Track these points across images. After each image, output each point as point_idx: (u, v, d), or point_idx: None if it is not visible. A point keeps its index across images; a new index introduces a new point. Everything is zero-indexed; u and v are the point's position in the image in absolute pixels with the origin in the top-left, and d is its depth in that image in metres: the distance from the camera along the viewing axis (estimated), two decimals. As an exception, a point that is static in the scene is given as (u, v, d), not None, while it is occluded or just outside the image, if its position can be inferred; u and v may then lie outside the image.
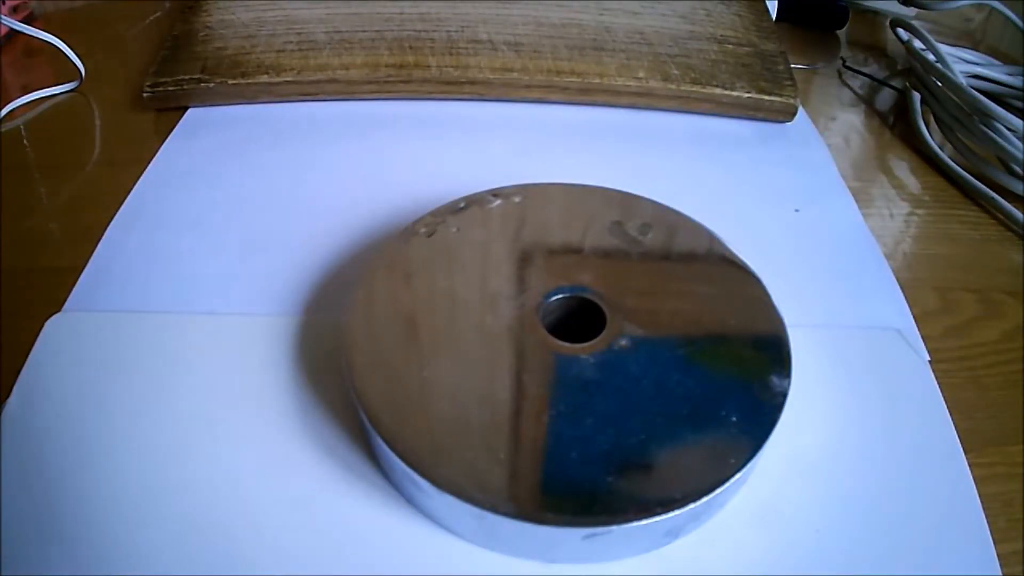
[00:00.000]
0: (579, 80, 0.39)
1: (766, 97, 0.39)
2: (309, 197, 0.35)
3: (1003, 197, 0.36)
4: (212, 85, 0.38)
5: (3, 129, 0.39)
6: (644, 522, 0.21)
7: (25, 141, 0.39)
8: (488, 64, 0.39)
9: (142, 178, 0.35)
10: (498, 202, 0.30)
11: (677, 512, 0.21)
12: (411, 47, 0.40)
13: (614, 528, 0.21)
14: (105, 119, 0.41)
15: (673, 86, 0.39)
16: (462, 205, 0.30)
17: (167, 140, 0.38)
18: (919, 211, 0.37)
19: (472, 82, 0.39)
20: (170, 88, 0.39)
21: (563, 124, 0.40)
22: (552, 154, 0.38)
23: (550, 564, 0.22)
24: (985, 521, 0.24)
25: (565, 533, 0.21)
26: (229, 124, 0.39)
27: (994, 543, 0.23)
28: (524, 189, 0.31)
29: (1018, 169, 0.37)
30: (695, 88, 0.39)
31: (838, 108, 0.44)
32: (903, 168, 0.40)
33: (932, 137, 0.40)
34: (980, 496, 0.24)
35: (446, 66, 0.39)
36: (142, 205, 0.34)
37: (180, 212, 0.34)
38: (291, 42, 0.40)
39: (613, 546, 0.22)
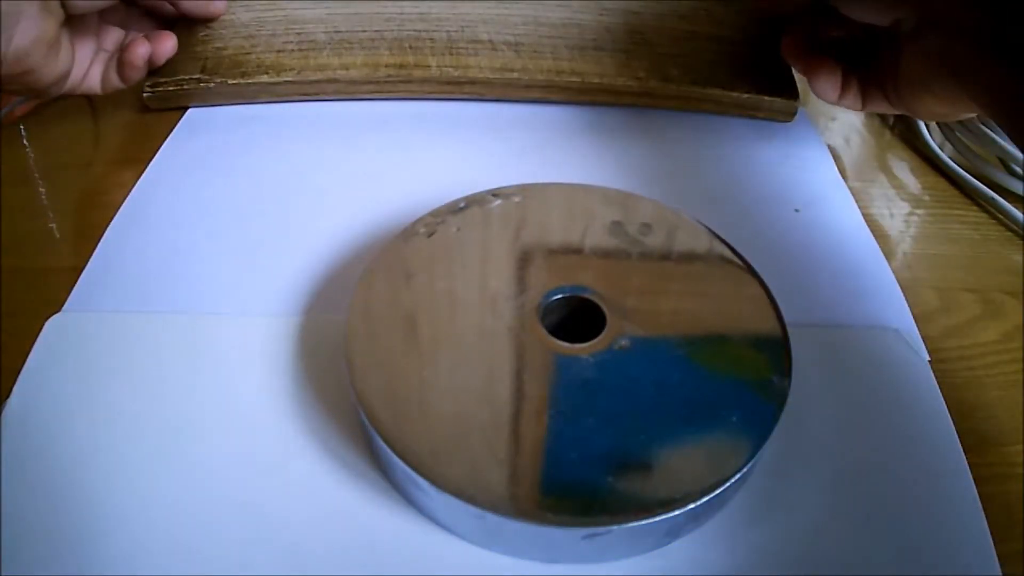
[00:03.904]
0: (579, 80, 0.39)
1: (766, 97, 0.39)
2: (309, 197, 0.35)
3: (1003, 197, 0.36)
4: (212, 85, 0.38)
5: (3, 129, 0.39)
6: (644, 522, 0.21)
7: (25, 141, 0.39)
8: (488, 64, 0.39)
9: (142, 178, 0.35)
10: (498, 202, 0.30)
11: (677, 512, 0.21)
12: (411, 47, 0.40)
13: (614, 528, 0.21)
14: (105, 119, 0.41)
15: (673, 86, 0.39)
16: (462, 205, 0.30)
17: (167, 140, 0.38)
18: (919, 211, 0.37)
19: (472, 82, 0.39)
20: (170, 88, 0.39)
21: (563, 124, 0.40)
22: (552, 154, 0.38)
23: (550, 564, 0.22)
24: (985, 521, 0.24)
25: (565, 533, 0.21)
26: (229, 124, 0.39)
27: (994, 543, 0.23)
28: (524, 189, 0.31)
29: (1018, 169, 0.37)
30: (695, 88, 0.39)
31: (838, 108, 0.44)
32: (903, 168, 0.40)
33: (932, 137, 0.40)
34: (980, 496, 0.24)
35: (446, 66, 0.39)
36: (142, 205, 0.34)
37: (180, 212, 0.34)
38: (291, 42, 0.40)
39: (613, 546, 0.22)
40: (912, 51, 0.30)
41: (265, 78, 0.39)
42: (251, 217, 0.33)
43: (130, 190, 0.35)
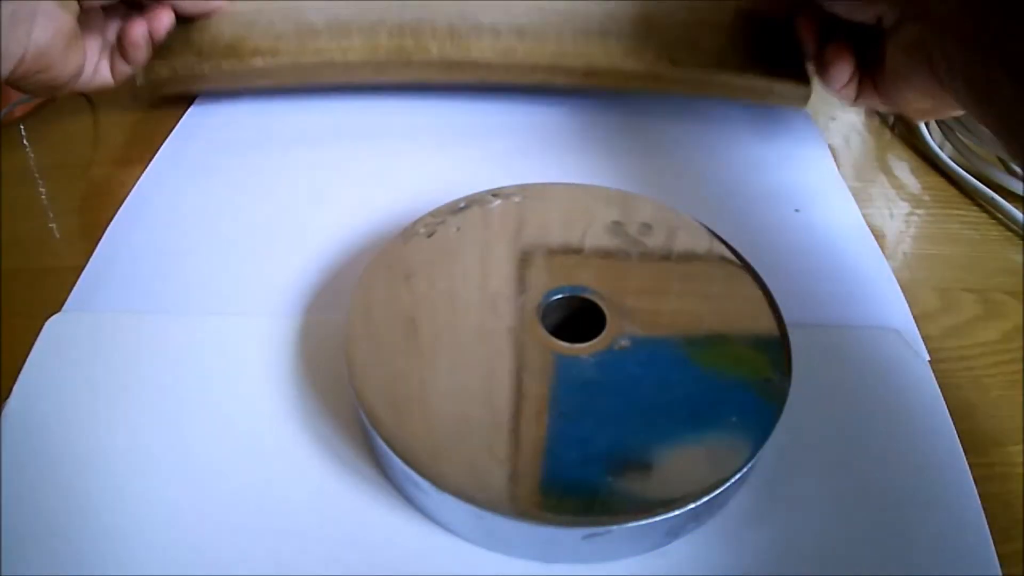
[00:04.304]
0: (584, 62, 0.38)
1: (777, 82, 0.38)
2: (309, 197, 0.35)
3: (1003, 197, 0.36)
4: (207, 69, 0.38)
5: (3, 129, 0.39)
6: (644, 522, 0.21)
7: (25, 141, 0.39)
8: (490, 47, 0.38)
9: (143, 177, 0.35)
10: (498, 202, 0.30)
11: (677, 512, 0.21)
12: (411, 31, 0.39)
13: (614, 528, 0.21)
14: (105, 119, 0.41)
15: (681, 70, 0.38)
16: (462, 205, 0.30)
17: (168, 140, 0.38)
18: (919, 211, 0.37)
19: (474, 64, 0.38)
20: (164, 74, 0.38)
21: (564, 124, 0.40)
22: (552, 154, 0.38)
23: (550, 564, 0.22)
24: (985, 521, 0.24)
25: (565, 533, 0.21)
26: (230, 124, 0.39)
27: (994, 543, 0.23)
28: (524, 189, 0.31)
29: (1018, 169, 0.37)
30: (705, 72, 0.38)
31: (838, 108, 0.44)
32: (903, 168, 0.40)
33: (932, 137, 0.40)
34: (980, 496, 0.24)
35: (447, 49, 0.38)
36: (142, 205, 0.34)
37: (181, 212, 0.34)
38: (289, 29, 0.39)
39: (613, 546, 0.22)
40: (893, 45, 0.31)
41: (260, 62, 0.38)
42: (251, 217, 0.33)
43: (130, 190, 0.35)
